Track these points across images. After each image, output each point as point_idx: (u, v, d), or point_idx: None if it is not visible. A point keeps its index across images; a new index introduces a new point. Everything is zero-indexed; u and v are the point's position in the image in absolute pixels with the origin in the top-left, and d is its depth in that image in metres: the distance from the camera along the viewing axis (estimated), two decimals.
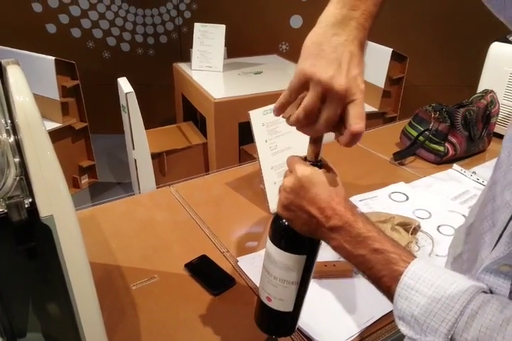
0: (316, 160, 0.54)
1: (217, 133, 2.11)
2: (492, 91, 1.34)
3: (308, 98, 0.48)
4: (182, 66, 2.54)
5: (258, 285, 0.81)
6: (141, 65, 3.04)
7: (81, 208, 1.07)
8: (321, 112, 0.48)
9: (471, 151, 1.33)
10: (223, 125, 2.10)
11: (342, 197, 0.52)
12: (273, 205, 1.04)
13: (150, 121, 1.97)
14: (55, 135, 2.24)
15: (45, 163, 0.44)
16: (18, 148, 0.45)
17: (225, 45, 2.45)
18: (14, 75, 0.47)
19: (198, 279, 0.84)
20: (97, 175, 2.64)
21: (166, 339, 0.73)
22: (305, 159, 0.54)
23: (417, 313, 0.43)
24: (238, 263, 0.89)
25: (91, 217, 1.04)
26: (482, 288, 0.43)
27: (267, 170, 1.03)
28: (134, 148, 1.70)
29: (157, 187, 1.20)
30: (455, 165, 1.27)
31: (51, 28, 2.89)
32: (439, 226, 1.00)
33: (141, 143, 1.69)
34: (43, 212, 0.45)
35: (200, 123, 2.55)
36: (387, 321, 0.75)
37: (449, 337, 0.41)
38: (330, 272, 0.84)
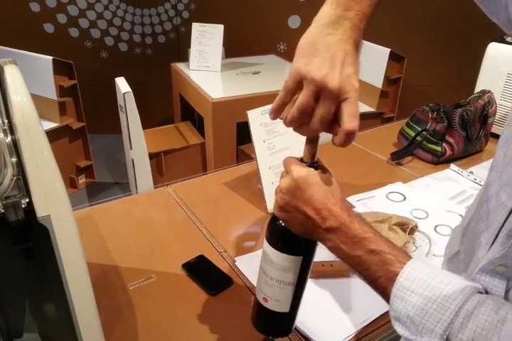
0: (312, 161, 0.54)
1: (215, 133, 2.11)
2: (489, 91, 1.35)
3: (302, 96, 0.48)
4: (180, 66, 2.54)
5: (255, 285, 0.81)
6: (139, 65, 3.04)
7: (78, 208, 1.07)
8: (315, 111, 0.48)
9: (469, 151, 1.34)
10: (221, 125, 2.10)
11: (338, 198, 0.52)
12: (271, 205, 1.04)
13: (148, 121, 1.97)
14: (52, 135, 2.24)
15: (42, 163, 0.44)
16: (15, 147, 0.45)
17: (223, 45, 2.45)
18: (12, 75, 0.47)
19: (196, 279, 0.84)
20: (95, 175, 2.63)
21: (164, 339, 0.73)
22: (301, 160, 0.54)
23: (413, 314, 0.43)
24: (236, 263, 0.89)
25: (88, 217, 1.04)
26: (477, 288, 0.43)
27: (265, 170, 1.03)
28: (131, 148, 1.69)
29: (155, 187, 1.20)
30: (452, 165, 1.27)
31: (49, 28, 2.88)
32: (436, 226, 1.01)
33: (138, 143, 1.69)
34: (40, 212, 0.45)
35: (198, 123, 2.54)
36: (384, 321, 0.75)
37: (445, 337, 0.41)
38: (327, 272, 0.84)
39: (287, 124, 0.51)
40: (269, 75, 2.44)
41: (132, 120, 1.62)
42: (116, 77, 1.70)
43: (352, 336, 0.73)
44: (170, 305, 0.79)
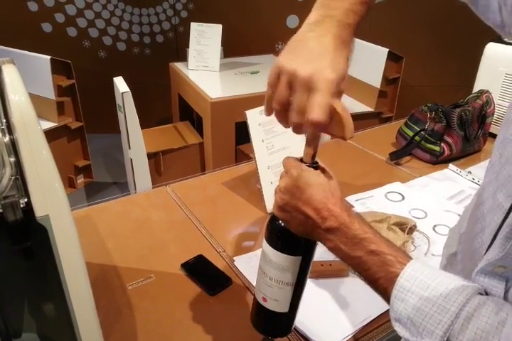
0: (312, 161, 0.54)
1: (214, 132, 2.11)
2: (487, 91, 1.35)
3: (279, 88, 0.49)
4: (178, 65, 2.54)
5: (254, 284, 0.81)
6: (138, 65, 3.04)
7: (77, 208, 1.06)
8: (291, 103, 0.49)
9: (467, 151, 1.34)
10: (220, 125, 2.10)
11: (338, 198, 0.51)
12: (269, 205, 1.04)
13: (146, 121, 1.97)
14: (50, 134, 2.23)
15: (40, 163, 0.44)
16: (13, 147, 0.44)
17: (222, 45, 2.45)
18: (10, 74, 0.47)
19: (195, 279, 0.84)
20: (93, 175, 2.63)
21: (162, 339, 0.73)
22: (301, 160, 0.54)
23: (413, 315, 0.43)
24: (234, 263, 0.89)
25: (87, 216, 1.03)
26: (478, 289, 0.43)
27: (264, 170, 1.03)
28: (130, 148, 1.69)
29: (153, 187, 1.20)
30: (451, 165, 1.28)
31: (47, 27, 2.87)
32: (434, 226, 1.01)
33: (137, 142, 1.69)
34: (39, 211, 0.45)
35: (197, 123, 2.54)
36: (383, 320, 0.75)
37: (445, 339, 0.41)
38: (326, 271, 0.84)
39: (277, 119, 0.52)
40: (267, 75, 2.42)
41: (131, 120, 1.62)
42: (115, 76, 1.70)
43: (351, 335, 0.73)
44: (169, 305, 0.79)
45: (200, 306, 0.79)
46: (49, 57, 2.13)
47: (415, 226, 0.96)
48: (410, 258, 0.47)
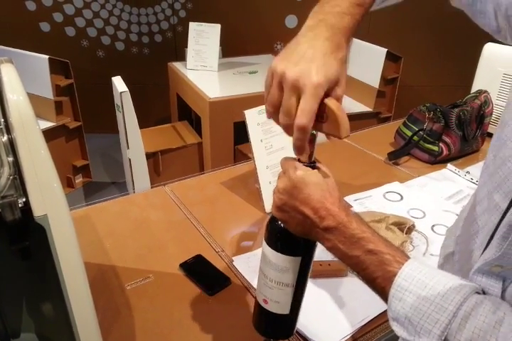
0: (309, 161, 0.54)
1: (212, 132, 2.11)
2: (486, 91, 1.35)
3: (271, 90, 0.50)
4: (177, 65, 2.54)
5: (253, 284, 0.81)
6: (136, 64, 3.03)
7: (75, 208, 1.06)
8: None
9: (465, 151, 1.34)
10: (218, 124, 2.10)
11: (336, 198, 0.51)
12: (268, 205, 1.04)
13: (145, 121, 1.96)
14: (48, 134, 2.23)
15: (38, 163, 0.44)
16: (11, 147, 0.44)
17: (220, 45, 2.45)
18: (8, 74, 0.47)
19: (193, 279, 0.84)
20: (91, 175, 2.62)
21: (161, 339, 0.73)
22: (298, 160, 0.54)
23: (411, 314, 0.43)
24: (233, 263, 0.89)
25: (85, 216, 1.03)
26: (475, 288, 0.43)
27: (262, 170, 1.03)
28: (128, 148, 1.69)
29: (152, 187, 1.20)
30: (449, 165, 1.28)
31: (45, 27, 2.87)
32: (433, 226, 1.01)
33: (135, 142, 1.68)
34: (37, 211, 0.44)
35: (195, 123, 2.54)
36: (381, 320, 0.76)
37: (443, 338, 0.41)
38: (325, 271, 0.84)
39: (273, 120, 0.53)
40: (266, 75, 2.43)
41: (129, 119, 1.61)
42: (113, 76, 1.69)
43: (350, 335, 0.73)
44: (167, 305, 0.79)
45: (199, 306, 0.79)
46: (47, 56, 2.12)
47: (414, 226, 0.96)
48: (408, 257, 0.47)
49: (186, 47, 2.47)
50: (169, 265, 0.88)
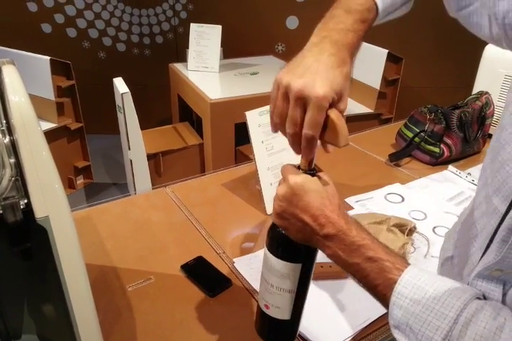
0: (309, 168, 0.54)
1: (214, 133, 2.11)
2: (487, 92, 1.35)
3: (277, 101, 0.51)
4: (178, 66, 2.54)
5: (254, 286, 0.81)
6: (137, 65, 3.04)
7: (76, 209, 1.06)
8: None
9: (466, 152, 1.34)
10: (219, 126, 2.10)
11: (335, 205, 0.51)
12: (269, 206, 1.04)
13: (146, 122, 1.97)
14: (50, 135, 2.23)
15: (40, 164, 0.44)
16: (13, 148, 0.44)
17: (221, 46, 2.45)
18: (9, 75, 0.47)
19: (194, 280, 0.84)
20: (93, 176, 2.63)
21: None
22: (298, 168, 0.55)
23: (412, 322, 0.43)
24: (234, 265, 0.88)
25: (87, 217, 1.03)
26: (476, 294, 0.43)
27: (263, 171, 1.03)
28: (129, 149, 1.69)
29: (153, 188, 1.20)
30: (450, 167, 1.28)
31: (46, 28, 2.87)
32: (434, 228, 1.01)
33: (136, 143, 1.69)
34: (39, 212, 0.44)
35: (197, 124, 2.54)
36: (382, 322, 0.75)
37: None
38: (326, 273, 0.84)
39: (281, 132, 0.54)
40: (267, 76, 2.44)
41: (130, 120, 1.62)
42: (114, 77, 1.70)
43: (351, 338, 0.73)
44: (168, 307, 0.79)
45: (200, 308, 0.79)
46: (49, 57, 2.12)
47: (415, 227, 0.96)
48: (408, 264, 0.47)
49: (187, 48, 2.47)
50: (170, 266, 0.88)
